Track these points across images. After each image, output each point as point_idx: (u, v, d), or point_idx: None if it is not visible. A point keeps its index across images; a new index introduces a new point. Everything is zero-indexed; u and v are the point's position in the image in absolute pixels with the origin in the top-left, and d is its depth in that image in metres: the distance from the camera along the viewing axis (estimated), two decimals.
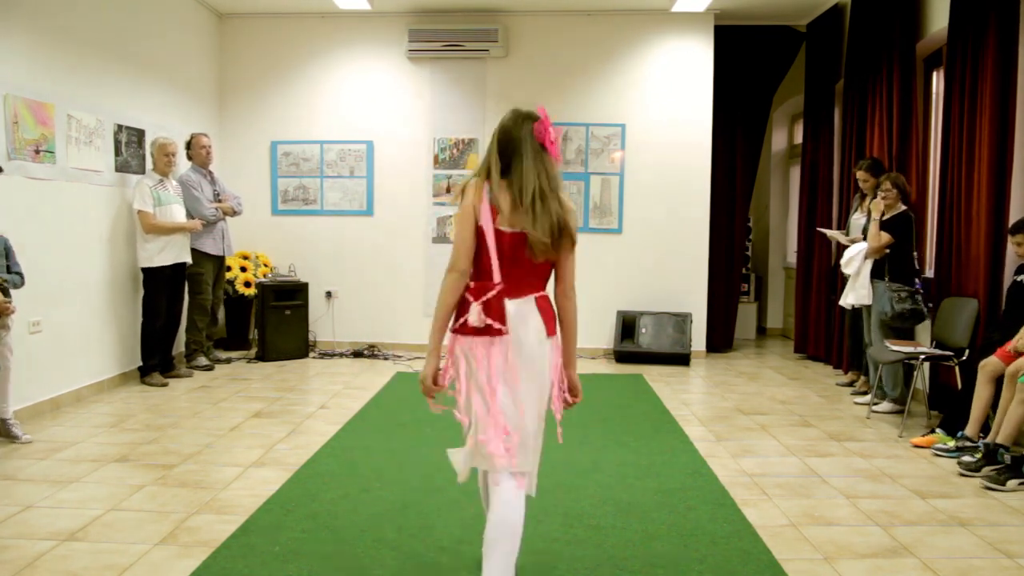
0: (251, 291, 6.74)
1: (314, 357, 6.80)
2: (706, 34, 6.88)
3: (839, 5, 6.52)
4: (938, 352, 4.57)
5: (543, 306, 2.35)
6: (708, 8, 6.71)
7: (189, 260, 5.74)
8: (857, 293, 5.07)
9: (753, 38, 7.11)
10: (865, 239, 5.06)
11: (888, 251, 4.91)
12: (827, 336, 6.60)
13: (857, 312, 5.41)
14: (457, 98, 7.04)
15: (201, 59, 6.77)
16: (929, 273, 5.28)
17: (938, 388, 4.86)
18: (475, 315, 2.24)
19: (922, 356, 4.54)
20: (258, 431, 4.39)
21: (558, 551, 2.80)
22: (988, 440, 3.74)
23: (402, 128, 7.10)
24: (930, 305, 4.93)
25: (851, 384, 5.70)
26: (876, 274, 4.97)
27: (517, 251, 2.28)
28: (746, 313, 8.15)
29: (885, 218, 4.92)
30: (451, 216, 7.07)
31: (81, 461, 3.79)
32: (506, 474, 2.25)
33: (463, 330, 2.27)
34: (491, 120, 7.03)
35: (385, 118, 7.10)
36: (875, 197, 5.01)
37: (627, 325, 6.84)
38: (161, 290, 5.51)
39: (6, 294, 3.97)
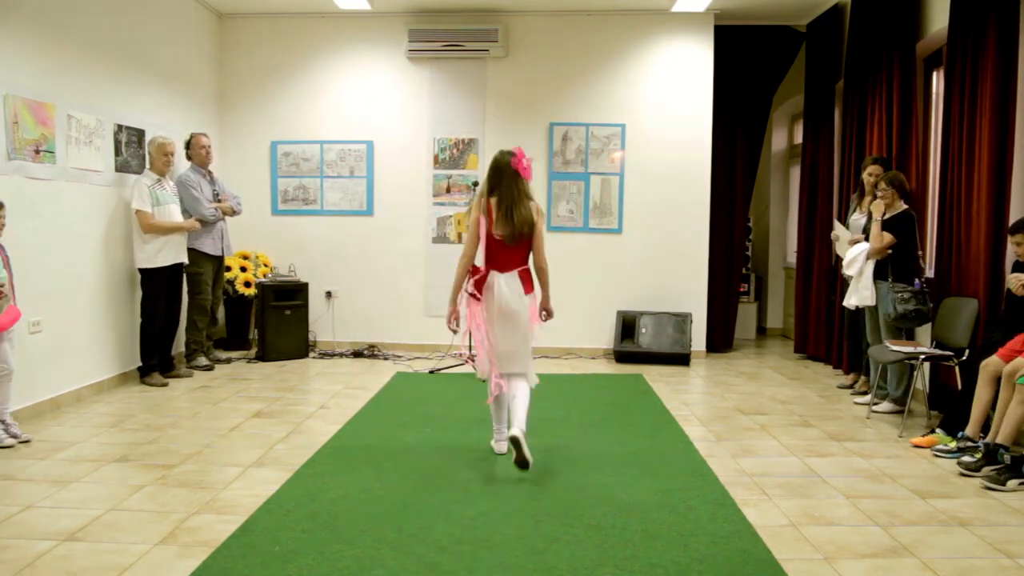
0: (251, 291, 6.74)
1: (314, 357, 6.80)
2: (706, 34, 6.88)
3: (839, 5, 6.52)
4: (938, 352, 4.57)
5: (523, 276, 3.74)
6: (708, 8, 6.71)
7: (186, 260, 5.74)
8: (860, 295, 5.05)
9: (753, 38, 7.11)
10: (867, 239, 5.05)
11: (890, 251, 4.90)
12: (827, 336, 6.60)
13: (855, 312, 5.39)
14: (457, 98, 7.04)
15: (201, 59, 6.77)
16: (929, 273, 5.28)
17: (938, 388, 4.86)
18: (470, 286, 3.73)
19: (922, 356, 4.54)
20: (258, 431, 4.39)
21: (558, 551, 2.80)
22: (988, 440, 3.74)
23: (402, 128, 7.10)
24: (930, 305, 4.93)
25: (851, 386, 5.70)
26: (879, 275, 4.95)
27: (503, 244, 3.69)
28: (746, 313, 8.15)
29: (886, 218, 4.91)
30: (451, 216, 7.08)
31: (81, 461, 3.79)
32: (513, 377, 3.73)
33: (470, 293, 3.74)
34: (491, 120, 7.04)
35: (385, 118, 7.10)
36: (875, 197, 5.01)
37: (627, 325, 6.84)
38: (159, 291, 5.51)
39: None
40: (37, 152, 4.60)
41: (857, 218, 5.42)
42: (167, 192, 5.54)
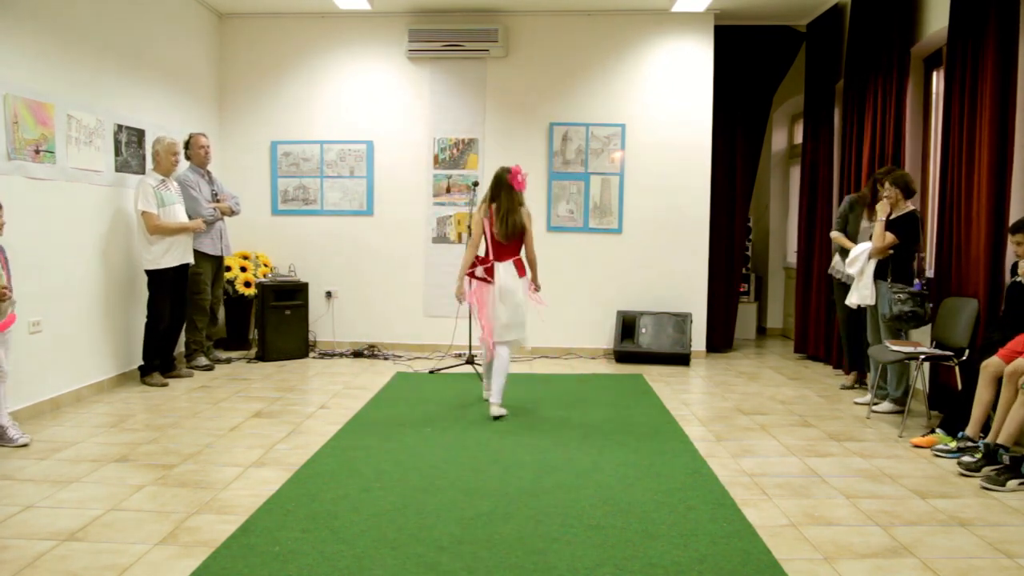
0: (251, 291, 6.74)
1: (314, 357, 6.80)
2: (706, 34, 6.88)
3: (839, 5, 6.52)
4: (938, 352, 4.57)
5: (516, 264, 4.78)
6: (708, 8, 6.71)
7: (192, 261, 5.74)
8: (860, 293, 5.06)
9: (753, 38, 7.11)
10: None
11: (892, 252, 4.90)
12: (827, 336, 6.60)
13: (853, 310, 5.38)
14: (457, 98, 7.05)
15: (201, 59, 6.77)
16: (929, 273, 5.28)
17: (938, 388, 4.86)
18: (480, 272, 4.75)
19: (922, 356, 4.54)
20: (258, 431, 4.39)
21: (558, 551, 2.80)
22: (988, 440, 3.74)
23: (402, 128, 7.10)
24: (930, 305, 4.92)
25: (853, 386, 5.69)
26: (880, 274, 4.96)
27: (499, 241, 4.71)
28: (746, 313, 8.15)
29: (891, 218, 4.91)
30: (451, 216, 7.08)
31: (81, 461, 3.79)
32: (501, 345, 4.76)
33: (473, 276, 4.77)
34: (491, 120, 7.04)
35: (385, 118, 7.10)
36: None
37: (627, 325, 6.85)
38: (165, 292, 5.50)
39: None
40: (37, 152, 4.60)
41: (867, 227, 5.30)
42: (172, 193, 5.54)
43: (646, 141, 6.97)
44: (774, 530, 3.03)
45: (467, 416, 4.76)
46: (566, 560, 2.73)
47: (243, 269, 6.81)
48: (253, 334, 7.00)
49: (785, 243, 8.60)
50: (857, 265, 5.06)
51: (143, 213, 5.34)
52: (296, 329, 6.69)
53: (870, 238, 5.11)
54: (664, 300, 6.99)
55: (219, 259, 6.20)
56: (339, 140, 7.13)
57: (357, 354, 6.89)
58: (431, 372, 6.18)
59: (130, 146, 5.58)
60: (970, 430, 3.98)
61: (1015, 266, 4.11)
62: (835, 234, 5.57)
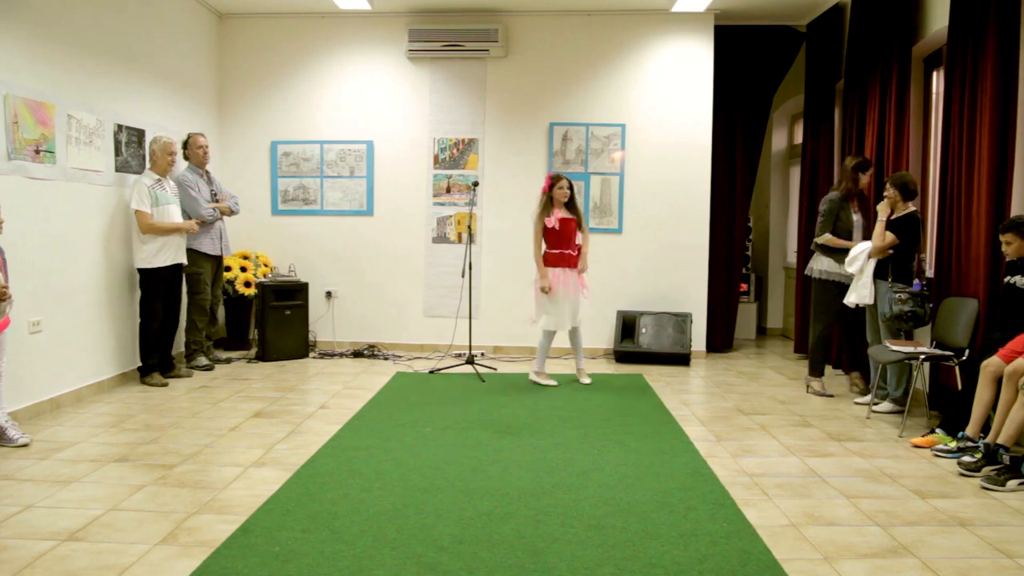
0: (251, 291, 6.74)
1: (314, 357, 6.80)
2: (706, 34, 6.88)
3: (839, 5, 6.52)
4: (938, 352, 4.57)
5: (574, 253, 5.63)
6: (708, 8, 6.71)
7: (185, 261, 5.74)
8: (859, 293, 5.06)
9: (753, 38, 7.11)
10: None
11: (892, 252, 4.91)
12: None
13: (848, 309, 5.41)
14: (457, 98, 7.05)
15: (201, 59, 6.77)
16: (929, 273, 5.28)
17: (938, 388, 4.86)
18: (554, 260, 5.56)
19: (922, 356, 4.54)
20: (258, 431, 4.39)
21: (558, 551, 2.80)
22: (988, 440, 3.74)
23: (402, 128, 7.10)
24: (930, 305, 4.92)
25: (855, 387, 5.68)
26: (880, 274, 4.97)
27: (560, 234, 5.55)
28: (746, 313, 8.15)
29: (893, 218, 4.92)
30: (451, 216, 7.08)
31: (81, 461, 3.79)
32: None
33: (549, 264, 5.58)
34: (491, 120, 7.04)
35: (385, 118, 7.10)
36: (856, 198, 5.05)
37: (627, 325, 6.85)
38: (158, 291, 5.51)
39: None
40: (37, 152, 4.60)
41: (859, 218, 5.39)
42: (167, 192, 5.54)
43: (646, 141, 6.97)
44: (774, 530, 3.03)
45: (467, 416, 4.76)
46: (566, 560, 2.73)
47: (243, 269, 6.81)
48: (253, 334, 7.00)
49: (785, 243, 8.60)
50: (857, 264, 5.07)
51: (136, 212, 5.35)
52: (296, 329, 6.69)
53: (865, 229, 5.13)
54: (664, 300, 6.99)
55: (219, 259, 6.20)
56: (339, 140, 7.13)
57: (357, 354, 6.89)
58: (431, 372, 6.18)
59: (130, 146, 5.58)
60: (970, 430, 3.98)
61: (1011, 266, 4.11)
62: (827, 237, 5.38)
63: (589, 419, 4.73)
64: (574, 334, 5.76)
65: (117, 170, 5.43)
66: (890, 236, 4.88)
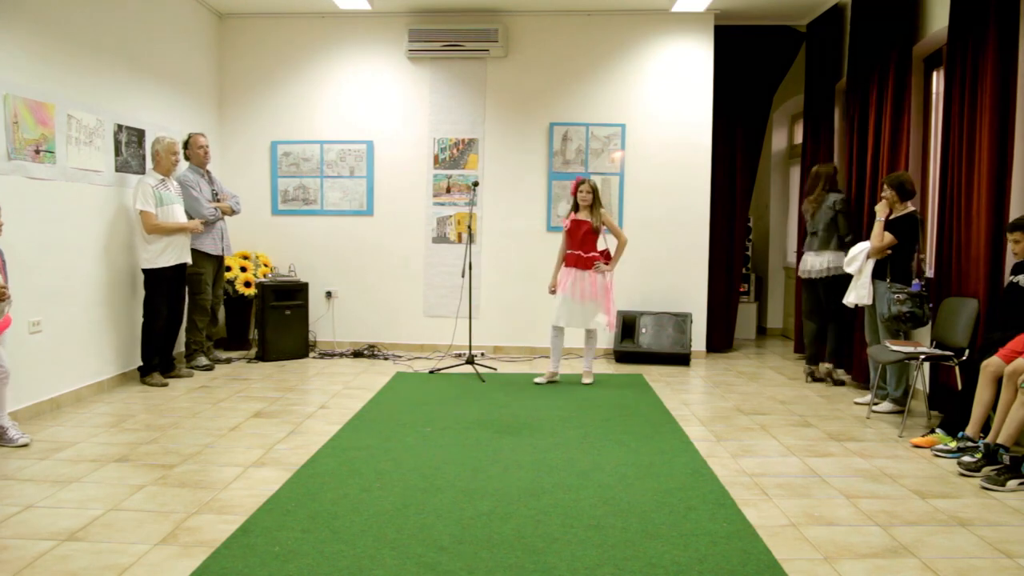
0: (251, 291, 6.74)
1: (314, 357, 6.80)
2: (706, 34, 6.88)
3: (839, 5, 6.52)
4: (938, 352, 4.57)
5: (586, 255, 5.64)
6: (708, 8, 6.71)
7: (190, 261, 5.74)
8: (858, 292, 5.07)
9: (753, 38, 7.11)
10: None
11: (890, 252, 4.91)
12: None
13: (814, 295, 5.94)
14: (457, 98, 7.05)
15: (201, 59, 6.77)
16: (929, 273, 5.28)
17: (938, 388, 4.86)
18: (568, 260, 5.66)
19: (922, 356, 4.53)
20: (258, 431, 4.39)
21: (558, 551, 2.80)
22: (988, 440, 3.74)
23: (402, 128, 7.10)
24: (930, 305, 4.93)
25: (812, 375, 6.02)
26: (878, 274, 4.97)
27: (571, 235, 5.65)
28: (746, 313, 8.15)
29: (891, 218, 4.92)
30: (451, 216, 7.08)
31: (81, 461, 3.79)
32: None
33: (567, 264, 5.67)
34: (491, 120, 7.04)
35: (385, 118, 7.10)
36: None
37: (627, 325, 6.85)
38: (162, 291, 5.51)
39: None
40: (37, 152, 4.60)
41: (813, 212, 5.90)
42: (171, 192, 5.54)
43: (646, 141, 6.97)
44: (774, 530, 3.03)
45: (467, 416, 4.76)
46: (566, 560, 2.73)
47: (243, 269, 6.81)
48: (253, 334, 7.00)
49: (785, 243, 8.60)
50: (855, 264, 5.07)
51: (141, 212, 5.35)
52: (296, 329, 6.69)
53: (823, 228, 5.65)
54: (664, 300, 6.99)
55: (220, 259, 6.20)
56: (339, 140, 7.13)
57: (357, 354, 6.89)
58: (431, 372, 6.18)
59: (130, 146, 5.58)
60: (970, 430, 3.98)
61: (1017, 267, 4.11)
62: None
63: (589, 419, 4.73)
64: (588, 336, 5.79)
65: (117, 170, 5.43)
66: (888, 236, 4.88)
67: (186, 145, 5.96)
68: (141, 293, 5.57)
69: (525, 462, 3.84)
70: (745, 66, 7.13)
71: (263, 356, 6.54)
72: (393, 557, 2.74)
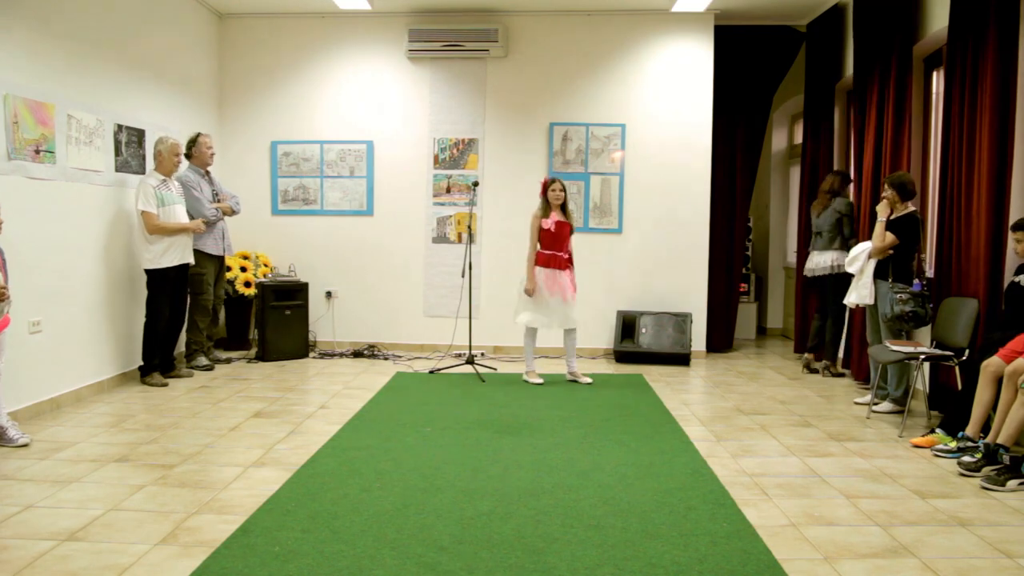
0: (251, 291, 6.74)
1: (314, 357, 6.80)
2: (706, 34, 6.88)
3: (839, 5, 6.52)
4: (938, 352, 4.57)
5: (567, 257, 5.70)
6: (708, 8, 6.71)
7: (192, 261, 5.74)
8: (859, 292, 5.07)
9: (753, 38, 7.11)
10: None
11: (892, 252, 4.91)
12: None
13: (822, 292, 6.13)
14: (457, 98, 7.05)
15: (201, 59, 6.77)
16: (929, 273, 5.29)
17: (938, 388, 4.86)
18: (544, 260, 5.63)
19: (922, 356, 4.53)
20: (258, 431, 4.39)
21: (558, 551, 2.80)
22: (988, 440, 3.74)
23: (402, 128, 7.10)
24: (930, 305, 4.93)
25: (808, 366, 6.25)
26: (880, 274, 4.97)
27: (554, 236, 5.63)
28: (746, 313, 8.15)
29: (892, 218, 4.92)
30: (451, 216, 7.08)
31: (81, 461, 3.79)
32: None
33: (539, 264, 5.67)
34: (491, 120, 7.04)
35: (385, 118, 7.11)
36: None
37: (627, 325, 6.85)
38: (164, 291, 5.50)
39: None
40: (37, 152, 4.60)
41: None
42: (172, 193, 5.54)
43: (646, 141, 6.97)
44: (774, 530, 3.03)
45: (467, 416, 4.76)
46: (566, 560, 2.73)
47: (243, 269, 6.81)
48: (253, 334, 7.00)
49: (785, 243, 8.60)
50: (857, 264, 5.07)
51: (143, 213, 5.34)
52: (296, 329, 6.69)
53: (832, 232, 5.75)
54: (664, 300, 6.99)
55: (221, 259, 6.20)
56: (339, 140, 7.13)
57: (357, 354, 6.89)
58: (431, 372, 6.18)
59: (130, 146, 5.58)
60: (970, 430, 3.98)
61: (1021, 267, 4.11)
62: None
63: (589, 419, 4.73)
64: (568, 336, 5.80)
65: (117, 170, 5.43)
66: (890, 236, 4.88)
67: (191, 145, 5.96)
68: (141, 293, 5.57)
69: (525, 462, 3.84)
70: (745, 66, 7.13)
71: (263, 356, 6.54)
72: (393, 557, 2.74)
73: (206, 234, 5.92)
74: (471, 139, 7.07)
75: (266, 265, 7.01)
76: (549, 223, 5.64)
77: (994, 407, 3.87)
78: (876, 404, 5.00)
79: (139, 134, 5.68)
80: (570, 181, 7.00)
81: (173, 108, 6.25)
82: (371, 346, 7.04)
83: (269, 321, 6.54)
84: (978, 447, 3.82)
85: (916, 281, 4.87)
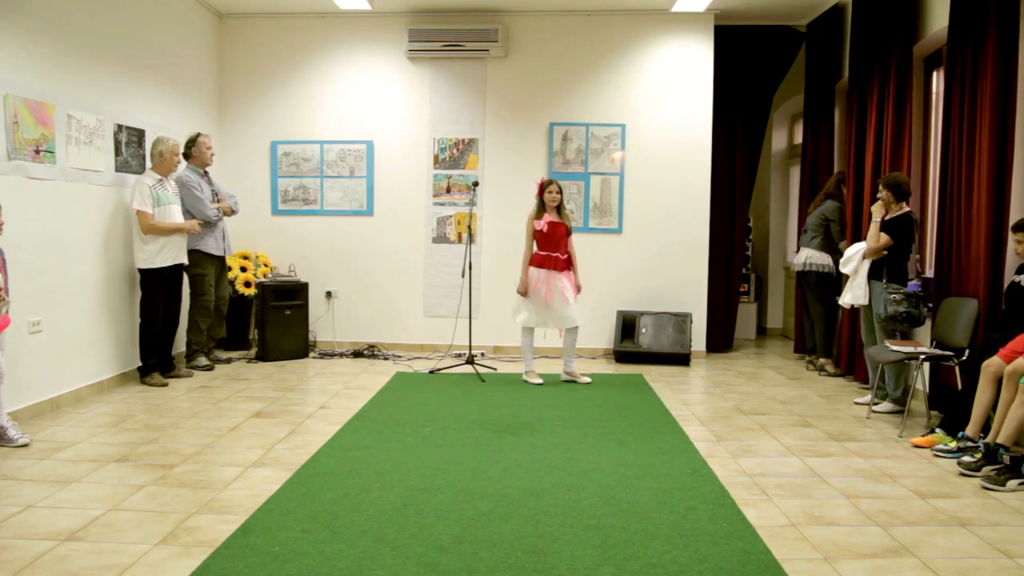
0: (251, 291, 6.74)
1: (314, 357, 6.80)
2: (706, 34, 6.88)
3: (839, 5, 6.52)
4: (938, 352, 4.57)
5: (565, 258, 5.69)
6: (708, 8, 6.71)
7: (186, 261, 5.74)
8: (854, 293, 5.08)
9: (753, 38, 7.11)
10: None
11: (886, 252, 4.91)
12: None
13: (800, 288, 6.33)
14: (457, 98, 7.05)
15: (201, 59, 6.77)
16: (929, 273, 5.29)
17: (938, 388, 4.86)
18: (539, 261, 5.63)
19: (922, 356, 4.53)
20: (258, 431, 4.39)
21: (558, 551, 2.80)
22: (988, 440, 3.74)
23: (402, 128, 7.10)
24: (930, 305, 4.93)
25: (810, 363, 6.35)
26: (874, 275, 4.97)
27: (548, 237, 5.62)
28: (746, 313, 8.15)
29: (887, 219, 4.93)
30: (451, 216, 7.09)
31: (81, 461, 3.79)
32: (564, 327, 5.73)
33: (534, 264, 5.66)
34: (491, 120, 7.04)
35: (385, 118, 7.11)
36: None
37: (627, 325, 6.85)
38: (159, 291, 5.50)
39: None
40: (37, 152, 4.60)
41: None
42: (168, 193, 5.54)
43: (646, 141, 6.97)
44: (774, 530, 3.03)
45: (467, 416, 4.76)
46: (566, 560, 2.73)
47: (243, 269, 6.81)
48: (253, 334, 7.00)
49: (785, 243, 8.60)
50: (851, 265, 5.08)
51: (138, 212, 5.34)
52: (296, 329, 6.69)
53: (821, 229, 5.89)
54: (664, 300, 6.99)
55: (222, 259, 6.20)
56: (339, 140, 7.13)
57: (357, 354, 6.89)
58: (431, 372, 6.18)
59: (130, 146, 5.59)
60: (970, 430, 3.98)
61: (1022, 267, 4.11)
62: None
63: (589, 419, 4.73)
64: (568, 335, 5.79)
65: (117, 170, 5.43)
66: (884, 237, 4.89)
67: (189, 145, 5.95)
68: (140, 293, 5.57)
69: (525, 462, 3.84)
70: (745, 66, 7.13)
71: (263, 356, 6.54)
72: (393, 557, 2.74)
73: (207, 234, 5.92)
74: (471, 139, 7.07)
75: (266, 265, 7.01)
76: (542, 224, 5.63)
77: (994, 407, 3.87)
78: (876, 404, 5.00)
79: (139, 134, 5.69)
80: (570, 181, 7.01)
81: (173, 108, 6.25)
82: (371, 346, 7.04)
83: (269, 321, 6.54)
84: (978, 447, 3.82)
85: (914, 282, 4.87)
